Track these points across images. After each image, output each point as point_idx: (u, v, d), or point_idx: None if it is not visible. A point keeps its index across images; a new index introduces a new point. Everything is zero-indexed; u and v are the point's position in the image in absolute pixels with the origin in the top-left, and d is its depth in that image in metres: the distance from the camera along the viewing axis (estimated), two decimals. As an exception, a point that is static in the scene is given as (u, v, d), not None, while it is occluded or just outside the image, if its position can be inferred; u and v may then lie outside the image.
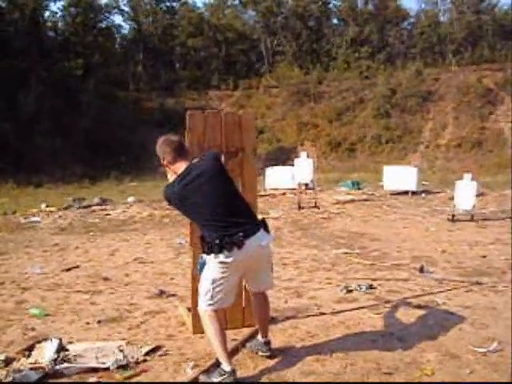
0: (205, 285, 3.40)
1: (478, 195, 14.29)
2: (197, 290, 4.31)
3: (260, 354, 3.72)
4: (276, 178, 16.09)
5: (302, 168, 13.05)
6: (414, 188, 15.23)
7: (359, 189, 17.06)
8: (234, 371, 3.29)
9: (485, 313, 4.73)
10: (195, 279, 4.35)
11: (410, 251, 7.73)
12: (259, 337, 3.80)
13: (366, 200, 14.42)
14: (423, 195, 15.28)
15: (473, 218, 10.86)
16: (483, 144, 32.94)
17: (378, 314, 4.71)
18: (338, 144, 36.56)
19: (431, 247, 8.07)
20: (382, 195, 15.44)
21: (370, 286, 5.55)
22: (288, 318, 4.62)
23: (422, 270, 6.30)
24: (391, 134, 35.69)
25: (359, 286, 5.56)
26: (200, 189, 3.29)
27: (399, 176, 15.30)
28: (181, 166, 3.40)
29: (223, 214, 3.30)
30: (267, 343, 3.74)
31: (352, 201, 14.05)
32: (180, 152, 3.44)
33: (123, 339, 4.16)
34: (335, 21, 53.73)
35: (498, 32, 43.14)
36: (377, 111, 37.44)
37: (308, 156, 13.35)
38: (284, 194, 15.46)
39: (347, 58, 45.12)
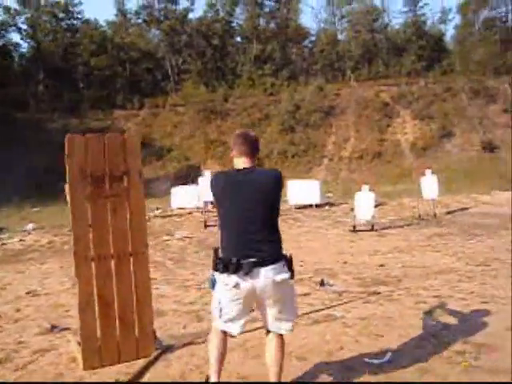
0: (214, 303, 3.24)
1: (377, 205, 14.92)
2: (86, 322, 4.13)
3: None
4: (182, 197, 15.92)
5: (207, 186, 12.96)
6: (317, 201, 15.61)
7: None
8: None
9: (380, 323, 4.83)
10: (84, 311, 4.13)
11: (312, 264, 7.84)
12: None
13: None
14: (327, 207, 15.70)
15: (373, 228, 11.26)
16: (383, 155, 34.56)
17: (277, 332, 4.67)
18: (246, 160, 36.88)
19: (333, 259, 8.24)
20: (288, 209, 15.67)
21: (271, 304, 5.52)
22: (185, 345, 4.47)
23: (322, 283, 6.38)
24: (296, 149, 36.56)
25: (260, 304, 5.51)
26: (243, 192, 3.13)
27: (303, 190, 15.62)
28: (243, 163, 3.23)
29: (249, 233, 3.11)
30: None
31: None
32: (248, 151, 3.25)
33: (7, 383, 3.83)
34: (239, 39, 54.60)
35: (391, 50, 45.67)
36: (282, 127, 38.25)
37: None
38: (191, 213, 15.29)
39: (251, 75, 45.84)
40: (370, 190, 11.56)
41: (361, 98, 39.52)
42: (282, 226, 10.85)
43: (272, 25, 51.99)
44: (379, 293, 5.90)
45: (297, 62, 48.20)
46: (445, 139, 35.78)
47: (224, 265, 3.08)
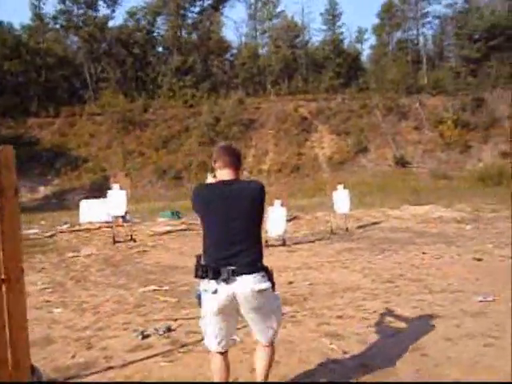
0: (202, 320, 3.32)
1: (291, 219, 14.99)
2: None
3: None
4: (91, 211, 15.20)
5: (115, 200, 12.43)
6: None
7: (179, 218, 16.82)
8: None
9: (280, 347, 4.64)
10: None
11: (219, 283, 7.59)
12: None
13: (184, 230, 14.18)
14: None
15: (284, 243, 11.18)
16: (301, 169, 35.11)
17: (170, 361, 4.38)
18: (165, 172, 36.36)
19: (242, 277, 8.02)
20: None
21: (169, 329, 5.22)
22: (68, 378, 4.09)
23: (226, 304, 6.13)
24: (216, 161, 36.41)
25: (156, 329, 5.20)
26: (228, 203, 3.17)
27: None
28: (226, 175, 3.28)
29: (230, 242, 3.14)
30: None
31: (169, 232, 13.72)
32: (232, 162, 3.30)
33: None
34: (161, 49, 53.91)
35: (311, 66, 46.74)
36: (201, 139, 38.02)
37: (121, 188, 12.79)
38: (100, 228, 14.63)
39: (172, 86, 45.32)
40: (281, 204, 11.49)
41: (280, 112, 40.07)
42: (193, 241, 10.50)
43: (194, 36, 51.81)
44: (283, 314, 5.73)
45: (218, 74, 48.20)
46: (360, 154, 36.93)
47: (204, 271, 3.12)
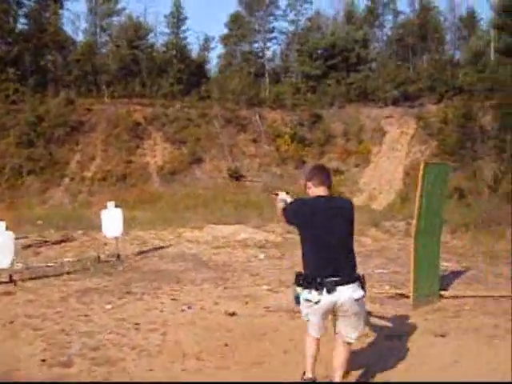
0: (302, 314, 3.95)
1: (60, 241, 12.66)
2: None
3: None
4: None
5: None
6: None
7: None
8: (312, 379, 3.94)
9: None
10: None
11: None
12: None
13: None
14: None
15: (11, 279, 8.65)
16: (128, 178, 32.57)
17: None
18: (-30, 175, 31.72)
19: None
20: None
21: None
22: None
23: None
24: (34, 165, 32.54)
25: None
26: (334, 217, 3.77)
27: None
28: (321, 192, 3.92)
29: (333, 253, 3.72)
30: None
31: None
32: (326, 180, 3.96)
33: None
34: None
35: (152, 69, 44.12)
36: (19, 139, 33.86)
37: None
38: None
39: (-8, 78, 40.13)
40: (6, 228, 8.96)
41: (113, 115, 37.08)
42: None
43: (24, 26, 46.77)
44: None
45: (49, 70, 43.76)
46: (194, 165, 35.25)
47: (308, 282, 3.73)
